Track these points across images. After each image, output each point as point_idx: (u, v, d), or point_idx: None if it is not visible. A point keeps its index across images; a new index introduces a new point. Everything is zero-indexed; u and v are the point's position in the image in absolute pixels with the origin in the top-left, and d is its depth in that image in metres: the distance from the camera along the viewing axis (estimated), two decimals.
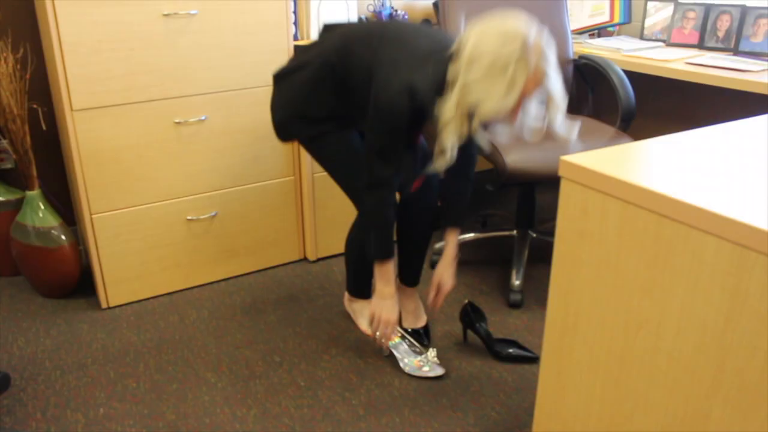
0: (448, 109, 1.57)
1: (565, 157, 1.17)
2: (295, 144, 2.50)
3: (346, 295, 2.23)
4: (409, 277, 2.16)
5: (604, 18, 3.01)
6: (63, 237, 2.29)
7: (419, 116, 1.67)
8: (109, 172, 2.18)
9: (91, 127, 2.11)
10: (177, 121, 2.24)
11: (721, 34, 2.65)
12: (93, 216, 2.19)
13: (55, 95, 2.25)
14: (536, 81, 1.51)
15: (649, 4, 2.90)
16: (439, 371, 1.96)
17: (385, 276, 1.88)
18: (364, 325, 2.16)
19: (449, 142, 1.60)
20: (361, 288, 2.16)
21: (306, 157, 2.48)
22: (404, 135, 1.69)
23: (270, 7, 2.29)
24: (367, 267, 2.07)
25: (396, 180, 1.78)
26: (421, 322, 2.16)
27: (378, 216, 1.80)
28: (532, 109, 1.60)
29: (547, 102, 1.60)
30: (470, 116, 1.57)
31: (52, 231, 2.27)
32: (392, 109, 1.62)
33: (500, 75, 1.48)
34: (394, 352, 2.02)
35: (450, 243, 1.97)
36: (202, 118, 2.28)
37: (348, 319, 2.26)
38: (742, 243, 0.91)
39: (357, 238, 2.06)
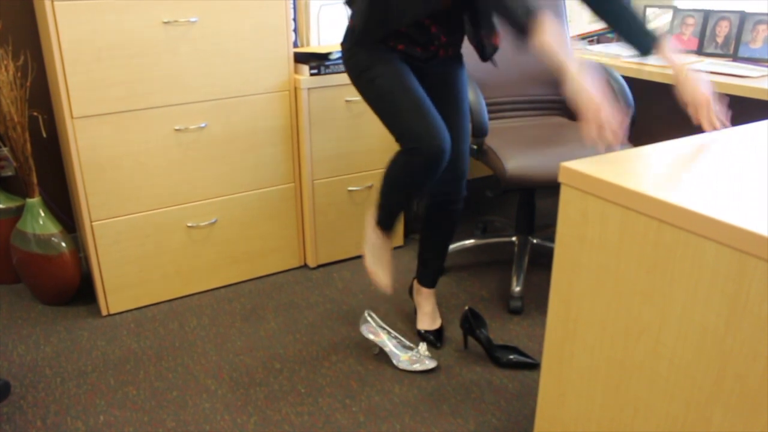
0: None
1: (565, 164, 1.17)
2: (296, 149, 2.50)
3: (370, 219, 1.98)
4: (427, 278, 2.17)
5: (603, 24, 3.02)
6: (63, 244, 2.29)
7: None
8: (109, 179, 2.18)
9: (91, 134, 2.11)
10: (177, 128, 2.24)
11: (720, 40, 2.66)
12: (93, 223, 2.19)
13: (56, 103, 2.25)
14: None
15: (648, 10, 2.91)
16: (432, 364, 1.99)
17: (561, 42, 1.36)
18: (369, 261, 2.00)
19: None
20: (384, 219, 1.94)
21: (306, 164, 2.48)
22: None
23: (270, 14, 2.29)
24: (399, 201, 1.88)
25: None
26: (436, 324, 2.17)
27: None
28: None
29: None
30: None
31: (53, 238, 2.27)
32: None
33: None
34: (385, 350, 2.03)
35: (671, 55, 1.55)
36: (202, 125, 2.28)
37: (348, 325, 2.25)
38: (742, 249, 0.91)
39: (398, 162, 1.80)
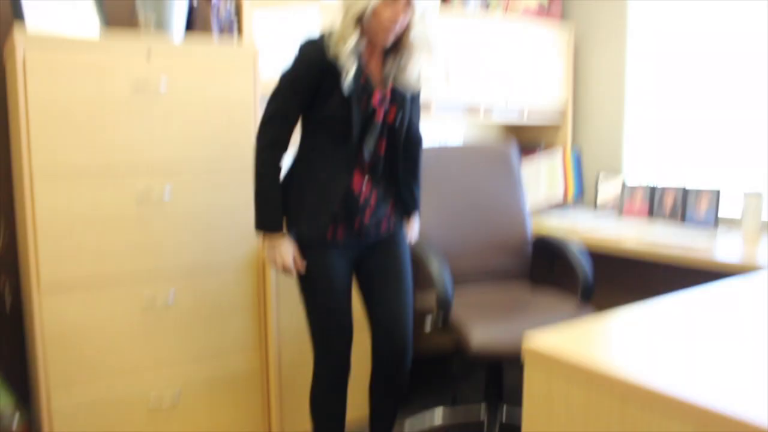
0: (340, 23, 1.82)
1: (528, 343, 1.20)
2: (263, 321, 2.48)
3: None
4: None
5: (558, 197, 3.21)
6: (15, 421, 2.17)
7: (328, 73, 1.81)
8: (71, 354, 2.11)
9: (57, 306, 2.08)
10: (145, 301, 2.22)
11: (667, 209, 2.87)
12: (51, 399, 2.09)
13: (23, 271, 2.25)
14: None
15: (601, 174, 3.17)
16: None
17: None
18: None
19: (344, 51, 1.79)
20: None
21: (273, 334, 2.45)
22: (306, 93, 1.84)
23: (244, 186, 2.37)
24: (333, 426, 2.07)
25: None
26: None
27: (270, 178, 1.89)
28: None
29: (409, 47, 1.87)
30: (356, 23, 1.80)
31: (4, 413, 2.17)
32: (299, 55, 1.84)
33: None
34: None
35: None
36: (171, 297, 2.27)
37: None
38: (704, 427, 0.93)
39: (317, 394, 2.06)
